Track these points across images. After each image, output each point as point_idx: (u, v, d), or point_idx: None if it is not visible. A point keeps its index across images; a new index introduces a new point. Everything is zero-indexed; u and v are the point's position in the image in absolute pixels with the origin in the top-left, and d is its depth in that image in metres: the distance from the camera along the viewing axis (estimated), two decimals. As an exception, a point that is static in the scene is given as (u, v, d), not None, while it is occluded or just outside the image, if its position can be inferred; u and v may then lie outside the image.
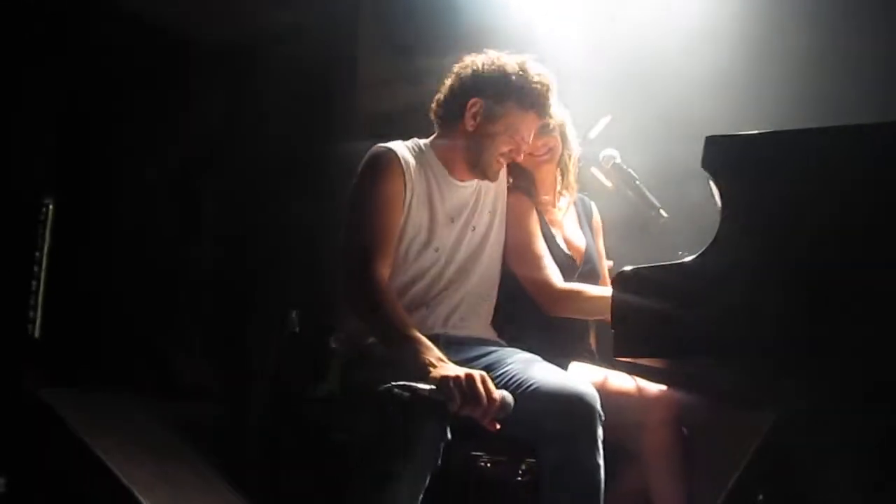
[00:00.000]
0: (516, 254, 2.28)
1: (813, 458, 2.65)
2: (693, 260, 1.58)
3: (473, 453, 2.17)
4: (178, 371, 4.49)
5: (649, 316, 1.60)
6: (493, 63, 2.17)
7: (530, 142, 2.22)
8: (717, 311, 1.54)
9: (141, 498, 2.54)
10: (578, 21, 3.15)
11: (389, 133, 2.30)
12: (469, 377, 1.77)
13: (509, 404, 1.81)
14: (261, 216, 4.68)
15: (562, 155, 2.37)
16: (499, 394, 1.80)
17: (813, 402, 1.84)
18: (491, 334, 2.25)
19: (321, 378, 2.75)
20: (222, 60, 4.79)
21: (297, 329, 4.40)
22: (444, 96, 2.22)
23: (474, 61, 2.19)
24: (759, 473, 2.93)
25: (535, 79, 2.14)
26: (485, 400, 1.76)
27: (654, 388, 2.15)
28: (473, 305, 2.21)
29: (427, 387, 1.77)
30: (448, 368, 1.81)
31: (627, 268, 1.69)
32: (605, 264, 2.51)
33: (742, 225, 1.55)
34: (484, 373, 1.81)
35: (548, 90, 2.15)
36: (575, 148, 2.40)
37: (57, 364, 4.27)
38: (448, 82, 2.22)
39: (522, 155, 2.22)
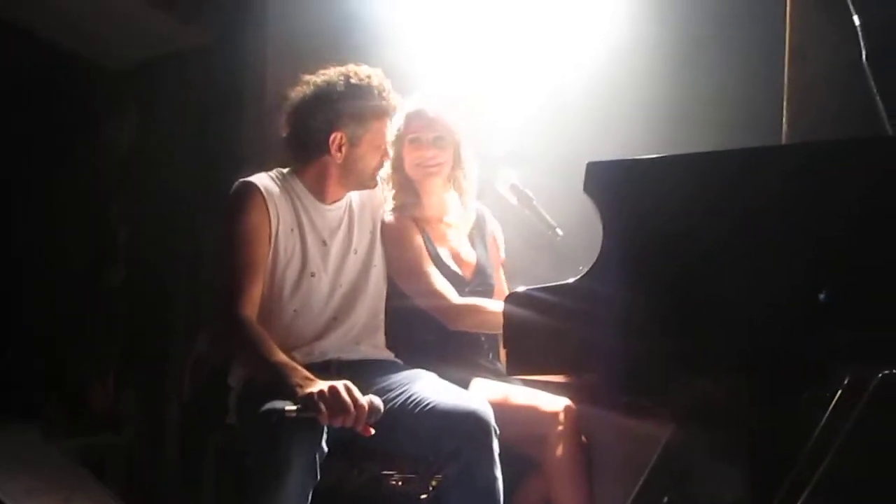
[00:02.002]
0: (405, 275, 2.31)
1: (712, 458, 2.78)
2: (577, 281, 1.65)
3: (384, 472, 2.21)
4: (89, 402, 4.38)
5: (538, 335, 1.67)
6: (323, 88, 2.18)
7: (388, 139, 2.27)
8: (600, 329, 1.62)
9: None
10: (488, 36, 3.22)
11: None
12: (332, 389, 1.83)
13: (378, 408, 1.88)
14: (171, 239, 4.62)
15: (454, 171, 2.40)
16: (366, 399, 1.86)
17: (702, 409, 1.94)
18: (386, 354, 2.29)
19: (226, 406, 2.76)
20: (129, 82, 4.73)
21: (205, 351, 4.36)
22: (297, 134, 2.22)
23: (301, 91, 2.20)
24: (663, 478, 3.04)
25: (372, 87, 2.19)
26: (351, 407, 1.82)
27: (556, 400, 2.21)
28: (367, 329, 2.25)
29: (292, 407, 1.82)
30: (313, 385, 1.86)
31: (519, 288, 1.75)
32: (501, 275, 2.54)
33: (619, 246, 1.63)
34: (348, 382, 1.86)
35: (386, 91, 2.20)
36: (470, 166, 2.43)
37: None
38: (292, 119, 2.22)
39: (389, 156, 2.28)
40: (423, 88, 2.48)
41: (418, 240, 2.34)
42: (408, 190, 2.39)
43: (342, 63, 2.26)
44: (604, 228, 1.66)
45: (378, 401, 1.88)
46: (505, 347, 1.71)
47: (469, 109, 2.50)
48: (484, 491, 1.92)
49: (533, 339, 1.68)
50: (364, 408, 1.83)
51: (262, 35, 4.35)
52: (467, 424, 1.92)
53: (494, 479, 1.93)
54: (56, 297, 4.67)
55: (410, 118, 2.36)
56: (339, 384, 1.84)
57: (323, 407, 1.80)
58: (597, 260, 1.65)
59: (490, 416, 1.95)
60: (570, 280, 1.66)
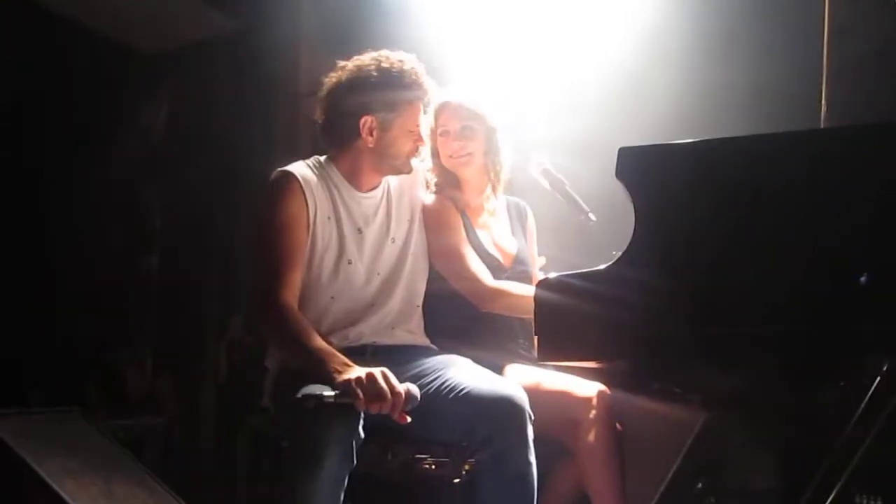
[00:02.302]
0: (442, 257, 2.32)
1: (745, 444, 2.76)
2: (609, 267, 1.64)
3: (418, 456, 2.23)
4: (127, 385, 4.47)
5: (569, 321, 1.67)
6: (355, 73, 2.18)
7: (421, 124, 2.26)
8: (632, 315, 1.61)
9: (87, 518, 2.55)
10: (522, 22, 3.20)
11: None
12: (370, 375, 1.83)
13: (415, 396, 1.88)
14: (207, 224, 4.67)
15: (488, 159, 2.41)
16: (402, 387, 1.86)
17: (734, 396, 1.93)
18: (422, 340, 2.30)
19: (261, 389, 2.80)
20: (164, 67, 4.77)
21: (241, 335, 4.42)
22: (330, 120, 2.24)
23: (335, 78, 2.21)
24: (696, 463, 3.03)
25: (403, 70, 2.18)
26: (388, 394, 1.82)
27: (589, 386, 2.21)
28: (402, 315, 2.26)
29: (331, 393, 1.83)
30: (351, 371, 1.87)
31: (551, 275, 1.75)
32: (538, 268, 2.56)
33: (652, 232, 1.62)
34: (385, 369, 1.87)
35: (419, 75, 2.20)
36: (505, 153, 2.44)
37: (3, 385, 4.22)
38: (326, 105, 2.24)
39: (424, 142, 2.28)
40: (455, 80, 2.48)
41: (457, 221, 2.36)
42: (448, 176, 2.41)
43: (377, 50, 2.26)
44: (636, 214, 1.65)
45: (415, 389, 1.89)
46: (536, 334, 1.70)
47: (500, 97, 2.50)
48: (518, 476, 1.92)
49: (564, 325, 1.67)
50: (401, 395, 1.84)
51: (297, 22, 4.37)
52: (502, 410, 1.92)
53: (528, 464, 1.93)
54: (94, 285, 4.76)
55: (439, 111, 2.39)
56: (377, 371, 1.84)
57: (360, 393, 1.81)
58: (628, 246, 1.64)
59: (525, 401, 1.95)
60: (602, 266, 1.65)
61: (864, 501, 2.93)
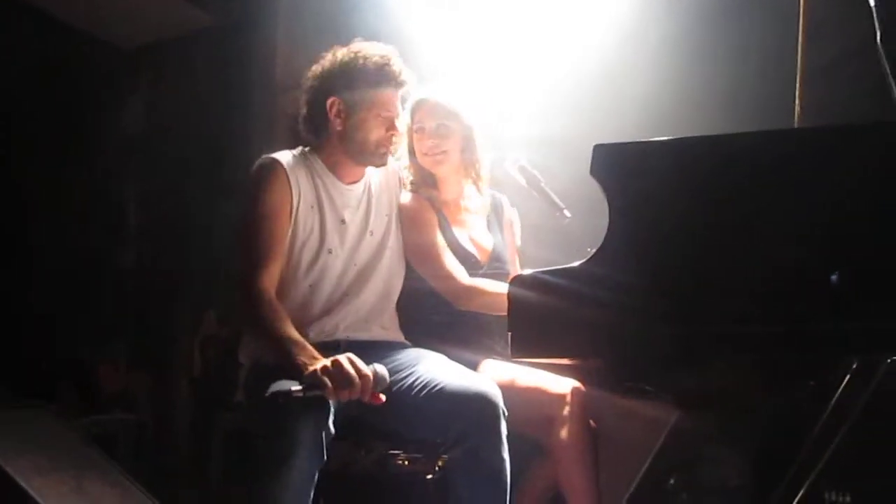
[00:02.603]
0: (418, 255, 2.33)
1: (718, 441, 2.77)
2: (582, 264, 1.65)
3: (391, 452, 2.22)
4: (100, 382, 4.42)
5: (543, 318, 1.67)
6: (331, 62, 2.23)
7: (399, 114, 2.27)
8: (606, 313, 1.62)
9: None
10: (498, 21, 3.21)
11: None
12: (335, 362, 1.84)
13: (383, 377, 1.88)
14: (181, 218, 4.64)
15: (465, 157, 2.41)
16: (370, 368, 1.86)
17: (706, 395, 1.94)
18: (396, 336, 2.30)
19: (235, 384, 2.79)
20: (143, 61, 4.74)
21: (215, 330, 4.39)
22: (305, 111, 2.28)
23: (315, 69, 2.25)
24: (669, 461, 3.04)
25: (372, 55, 2.20)
26: (356, 377, 1.82)
27: (564, 382, 2.21)
28: (376, 310, 2.26)
29: (298, 387, 1.83)
30: (318, 363, 1.87)
31: (525, 271, 1.75)
32: (517, 262, 2.56)
33: (625, 230, 1.62)
34: (350, 354, 1.87)
35: (388, 61, 2.21)
36: (482, 151, 2.44)
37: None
38: (303, 99, 2.28)
39: (398, 132, 2.28)
40: (435, 77, 2.48)
41: (432, 220, 2.36)
42: (424, 174, 2.41)
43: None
44: (609, 211, 1.65)
45: (382, 369, 1.89)
46: (510, 330, 1.70)
47: (479, 94, 2.51)
48: (492, 473, 1.92)
49: (537, 322, 1.67)
50: (368, 377, 1.84)
51: (275, 17, 4.35)
52: (476, 407, 1.93)
53: (502, 461, 1.94)
54: (68, 279, 4.70)
55: (415, 108, 2.39)
56: (342, 357, 1.85)
57: (328, 381, 1.81)
58: (602, 243, 1.64)
59: (499, 398, 1.96)
60: (576, 263, 1.65)
61: (834, 498, 2.97)
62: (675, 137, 1.71)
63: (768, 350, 1.61)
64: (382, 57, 2.20)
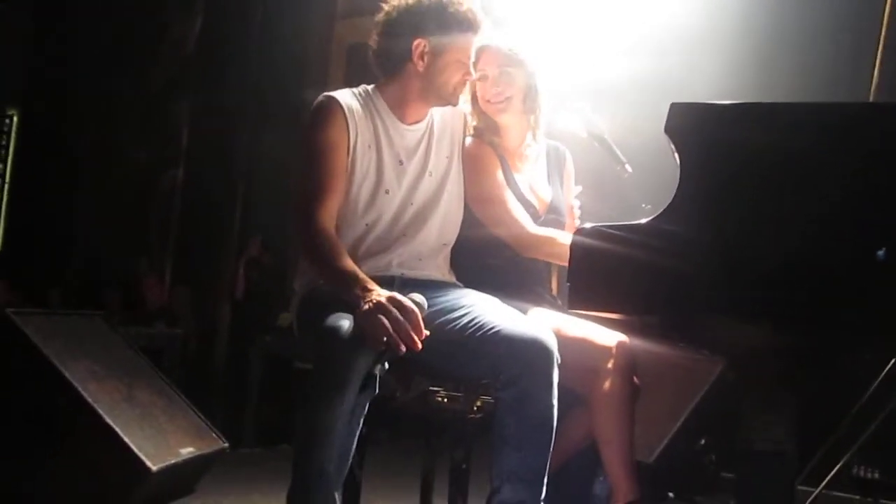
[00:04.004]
0: (482, 202, 2.32)
1: (753, 407, 2.78)
2: (649, 221, 1.65)
3: (431, 388, 2.27)
4: (143, 295, 4.52)
5: (603, 272, 1.68)
6: (419, 2, 2.21)
7: (472, 59, 2.27)
8: (667, 272, 1.62)
9: (107, 419, 2.61)
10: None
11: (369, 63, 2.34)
12: (379, 305, 1.86)
13: (422, 304, 1.91)
14: (232, 143, 4.66)
15: (526, 105, 2.39)
16: (408, 302, 1.88)
17: (753, 359, 1.94)
18: (449, 277, 2.31)
19: (281, 307, 2.84)
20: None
21: (259, 254, 4.46)
22: (383, 44, 2.25)
23: (398, 4, 2.23)
24: (701, 421, 3.07)
25: (463, 2, 2.20)
26: (403, 322, 1.85)
27: (610, 335, 2.22)
28: (432, 250, 2.27)
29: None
30: (371, 296, 1.90)
31: (587, 225, 1.76)
32: (573, 217, 2.54)
33: (697, 190, 1.62)
34: (393, 293, 1.90)
35: (474, 6, 2.21)
36: (544, 99, 2.42)
37: (23, 283, 4.28)
38: (380, 30, 2.25)
39: (472, 76, 2.27)
40: (502, 23, 2.45)
41: (495, 166, 2.35)
42: (487, 121, 2.40)
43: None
44: (681, 170, 1.65)
45: (419, 297, 1.92)
46: (569, 281, 1.71)
47: (541, 43, 2.47)
48: (540, 417, 1.95)
49: (599, 275, 1.69)
50: (416, 312, 1.87)
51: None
52: (531, 352, 1.94)
53: (551, 406, 1.96)
54: (117, 193, 4.77)
55: (478, 54, 2.37)
56: (384, 299, 1.87)
57: (378, 333, 1.85)
58: (671, 202, 1.64)
59: (553, 345, 1.97)
60: (643, 220, 1.66)
61: (862, 473, 2.99)
62: (749, 101, 1.69)
63: (822, 320, 1.62)
64: (470, 8, 2.20)
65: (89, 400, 2.57)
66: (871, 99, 2.29)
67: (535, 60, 2.39)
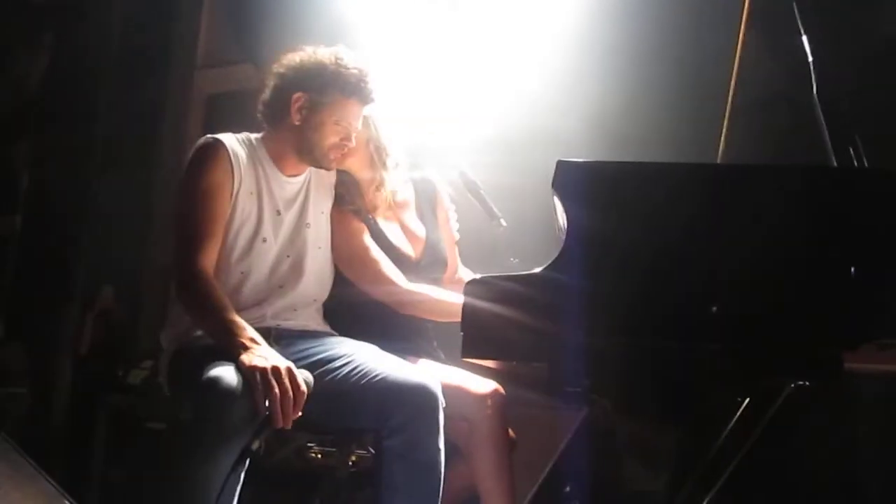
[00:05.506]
0: (351, 264, 2.33)
1: (618, 451, 2.90)
2: (539, 272, 1.72)
3: (306, 444, 2.22)
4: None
5: (496, 321, 1.72)
6: (310, 57, 2.24)
7: (358, 128, 2.27)
8: (557, 321, 1.69)
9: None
10: (430, 23, 3.24)
11: (228, 114, 2.33)
12: (276, 370, 1.84)
13: (311, 385, 1.89)
14: (80, 189, 4.42)
15: (371, 146, 2.38)
16: (302, 384, 1.87)
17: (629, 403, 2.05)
18: (324, 326, 2.30)
19: (133, 363, 2.75)
20: (50, 18, 4.49)
21: (111, 306, 4.21)
22: (269, 96, 2.27)
23: (292, 58, 2.26)
24: (566, 467, 3.16)
25: (352, 66, 2.22)
26: (290, 394, 1.83)
27: (485, 384, 2.25)
28: (307, 302, 2.26)
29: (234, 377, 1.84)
30: (256, 351, 1.88)
31: (478, 276, 1.80)
32: (455, 252, 2.55)
33: (584, 244, 1.70)
34: (290, 364, 1.88)
35: (365, 76, 2.23)
36: (387, 140, 2.40)
37: None
38: (270, 82, 2.27)
39: (351, 144, 2.27)
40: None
41: (361, 230, 2.34)
42: (344, 179, 2.39)
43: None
44: (568, 225, 1.73)
45: (308, 375, 1.91)
46: (462, 331, 1.74)
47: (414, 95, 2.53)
48: (428, 464, 1.96)
49: (490, 324, 1.73)
50: (304, 394, 1.85)
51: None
52: (418, 397, 1.96)
53: (438, 451, 1.97)
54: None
55: None
56: (284, 369, 1.85)
57: (263, 387, 1.82)
58: (559, 253, 1.72)
59: (438, 390, 1.99)
60: (536, 270, 1.72)
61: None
62: (635, 161, 1.82)
63: (705, 367, 1.73)
64: (361, 71, 2.21)
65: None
66: (718, 157, 2.48)
67: (378, 115, 2.38)
